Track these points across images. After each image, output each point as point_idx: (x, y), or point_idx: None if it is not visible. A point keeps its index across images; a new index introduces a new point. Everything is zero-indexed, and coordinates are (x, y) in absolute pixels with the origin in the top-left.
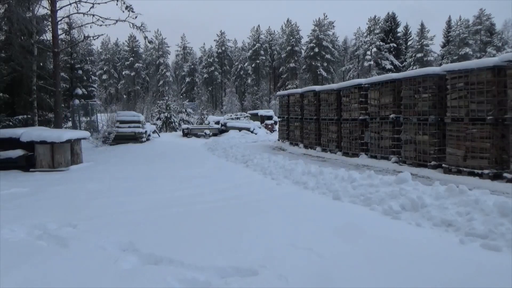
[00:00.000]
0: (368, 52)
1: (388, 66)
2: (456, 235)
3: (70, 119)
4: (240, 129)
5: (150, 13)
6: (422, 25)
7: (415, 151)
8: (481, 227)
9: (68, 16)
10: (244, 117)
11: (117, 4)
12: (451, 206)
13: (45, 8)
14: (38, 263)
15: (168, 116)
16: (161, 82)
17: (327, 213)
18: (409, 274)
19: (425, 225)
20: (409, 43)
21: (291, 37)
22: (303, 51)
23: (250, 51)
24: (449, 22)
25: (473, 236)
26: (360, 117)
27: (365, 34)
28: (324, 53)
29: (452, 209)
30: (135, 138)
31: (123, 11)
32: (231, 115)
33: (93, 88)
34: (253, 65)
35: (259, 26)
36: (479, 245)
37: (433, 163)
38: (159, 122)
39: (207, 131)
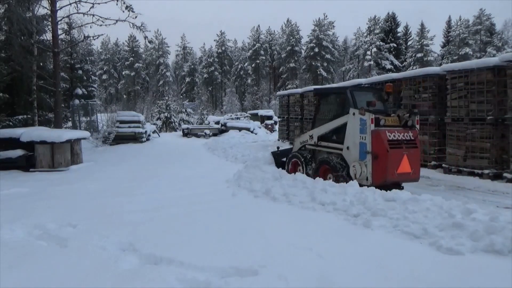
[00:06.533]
0: (368, 52)
1: (388, 66)
2: None
3: (70, 119)
4: (240, 129)
5: (150, 13)
6: (422, 25)
7: None
8: None
9: (68, 16)
10: (244, 117)
11: (117, 4)
12: None
13: (45, 8)
14: (38, 263)
15: (168, 116)
16: (161, 82)
17: (327, 213)
18: (408, 273)
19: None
20: (409, 43)
21: (291, 37)
22: (303, 51)
23: (250, 51)
24: (449, 22)
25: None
26: None
27: (365, 34)
28: (324, 53)
29: None
30: (135, 138)
31: (123, 11)
32: (231, 115)
33: (93, 88)
34: (253, 65)
35: (259, 26)
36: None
37: (433, 163)
38: (159, 122)
39: (207, 131)
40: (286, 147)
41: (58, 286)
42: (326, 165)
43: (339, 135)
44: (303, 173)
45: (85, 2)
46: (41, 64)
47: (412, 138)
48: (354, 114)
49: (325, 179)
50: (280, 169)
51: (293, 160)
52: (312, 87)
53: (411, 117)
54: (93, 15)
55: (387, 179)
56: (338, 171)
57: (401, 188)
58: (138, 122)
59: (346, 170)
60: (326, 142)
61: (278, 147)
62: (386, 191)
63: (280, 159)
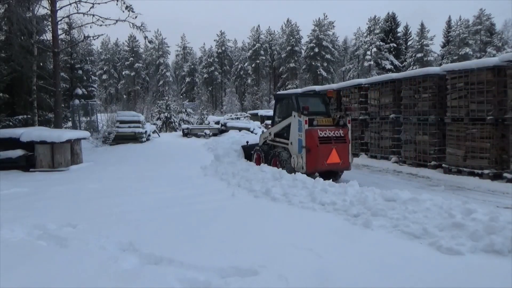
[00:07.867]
0: (368, 52)
1: (388, 66)
2: None
3: (70, 119)
4: (240, 129)
5: (150, 13)
6: (422, 25)
7: (415, 151)
8: None
9: (68, 16)
10: (244, 117)
11: (117, 4)
12: None
13: (45, 8)
14: (38, 263)
15: (168, 116)
16: (161, 82)
17: (327, 213)
18: (408, 273)
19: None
20: (409, 43)
21: (291, 37)
22: (303, 51)
23: (250, 51)
24: (449, 22)
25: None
26: (360, 117)
27: (365, 34)
28: (324, 53)
29: None
30: (135, 138)
31: (123, 11)
32: (231, 115)
33: (93, 88)
34: (253, 65)
35: (259, 26)
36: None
37: (433, 163)
38: (159, 122)
39: (207, 131)
40: (254, 142)
41: (58, 286)
42: (275, 157)
43: (287, 133)
44: (264, 163)
45: (85, 2)
46: (41, 64)
47: (342, 135)
48: (295, 116)
49: (276, 167)
50: (280, 169)
51: (256, 153)
52: (312, 87)
53: (342, 117)
54: (93, 15)
55: (317, 168)
56: (283, 162)
57: (334, 175)
58: (138, 122)
59: (289, 161)
60: (279, 138)
61: (247, 141)
62: (324, 179)
63: (249, 151)
